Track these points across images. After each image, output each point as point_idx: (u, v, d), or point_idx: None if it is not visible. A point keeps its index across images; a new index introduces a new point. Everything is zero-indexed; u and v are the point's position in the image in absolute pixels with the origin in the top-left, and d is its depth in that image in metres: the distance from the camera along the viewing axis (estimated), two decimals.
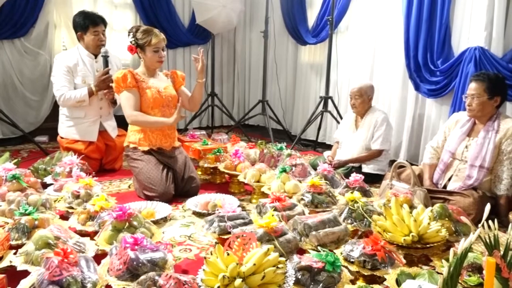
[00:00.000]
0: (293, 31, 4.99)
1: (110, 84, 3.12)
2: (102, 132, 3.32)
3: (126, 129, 2.96)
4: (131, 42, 2.76)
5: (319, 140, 4.66)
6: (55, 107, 4.44)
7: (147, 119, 2.73)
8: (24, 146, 4.11)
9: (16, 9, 3.99)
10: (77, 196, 2.22)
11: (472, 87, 2.59)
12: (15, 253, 1.63)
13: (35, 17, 4.12)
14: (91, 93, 3.13)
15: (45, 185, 2.60)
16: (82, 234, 1.89)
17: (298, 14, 4.89)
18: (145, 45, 2.72)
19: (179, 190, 2.81)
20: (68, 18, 4.32)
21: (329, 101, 4.31)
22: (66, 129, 3.24)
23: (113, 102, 3.32)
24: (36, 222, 1.79)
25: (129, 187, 3.00)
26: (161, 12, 4.84)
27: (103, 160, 3.35)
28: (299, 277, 1.48)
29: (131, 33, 2.76)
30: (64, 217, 2.20)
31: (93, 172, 2.67)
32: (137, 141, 2.78)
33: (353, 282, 1.61)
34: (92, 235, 1.88)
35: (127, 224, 1.80)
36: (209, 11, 4.78)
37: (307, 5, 4.87)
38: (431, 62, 3.46)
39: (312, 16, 4.84)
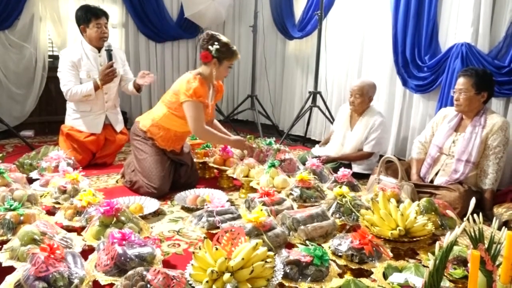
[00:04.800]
0: (280, 26, 4.98)
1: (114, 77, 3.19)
2: (105, 126, 3.34)
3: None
4: (210, 50, 2.60)
5: (307, 136, 4.67)
6: (41, 102, 4.40)
7: (216, 134, 2.78)
8: (9, 140, 4.04)
9: (0, 1, 3.90)
10: (63, 191, 2.20)
11: (460, 82, 2.62)
12: (0, 249, 1.61)
13: (19, 9, 4.04)
14: (96, 87, 3.16)
15: (31, 180, 2.57)
16: (69, 229, 1.87)
17: (285, 8, 4.87)
18: (225, 59, 2.64)
19: (183, 181, 2.83)
20: (53, 11, 4.26)
21: (318, 96, 4.32)
22: (72, 121, 3.29)
23: (137, 90, 3.34)
24: (22, 218, 1.76)
25: (116, 182, 2.97)
26: (149, 5, 4.79)
27: (97, 154, 3.34)
28: (288, 271, 1.48)
29: (211, 41, 2.60)
30: (51, 212, 2.17)
31: (80, 167, 2.65)
32: (155, 137, 2.74)
33: (341, 275, 1.62)
34: (79, 230, 1.87)
35: (114, 219, 1.79)
36: (197, 4, 4.75)
37: None
38: (419, 58, 3.48)
39: (298, 10, 4.82)
